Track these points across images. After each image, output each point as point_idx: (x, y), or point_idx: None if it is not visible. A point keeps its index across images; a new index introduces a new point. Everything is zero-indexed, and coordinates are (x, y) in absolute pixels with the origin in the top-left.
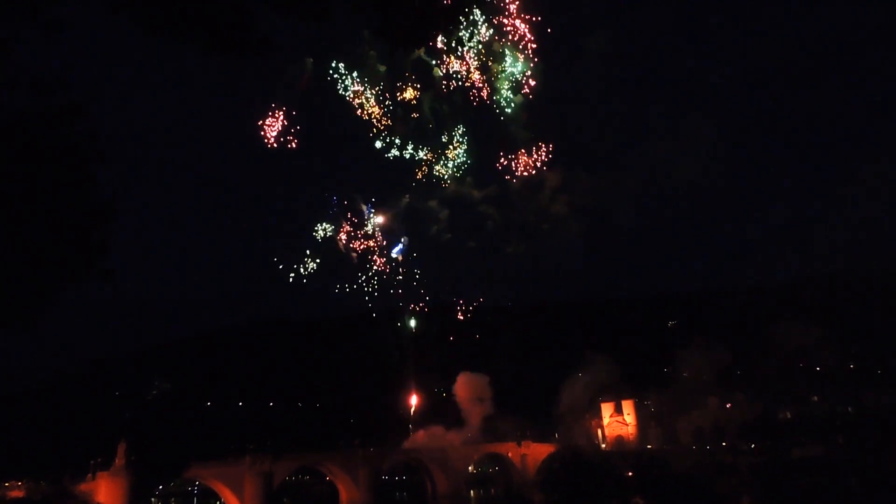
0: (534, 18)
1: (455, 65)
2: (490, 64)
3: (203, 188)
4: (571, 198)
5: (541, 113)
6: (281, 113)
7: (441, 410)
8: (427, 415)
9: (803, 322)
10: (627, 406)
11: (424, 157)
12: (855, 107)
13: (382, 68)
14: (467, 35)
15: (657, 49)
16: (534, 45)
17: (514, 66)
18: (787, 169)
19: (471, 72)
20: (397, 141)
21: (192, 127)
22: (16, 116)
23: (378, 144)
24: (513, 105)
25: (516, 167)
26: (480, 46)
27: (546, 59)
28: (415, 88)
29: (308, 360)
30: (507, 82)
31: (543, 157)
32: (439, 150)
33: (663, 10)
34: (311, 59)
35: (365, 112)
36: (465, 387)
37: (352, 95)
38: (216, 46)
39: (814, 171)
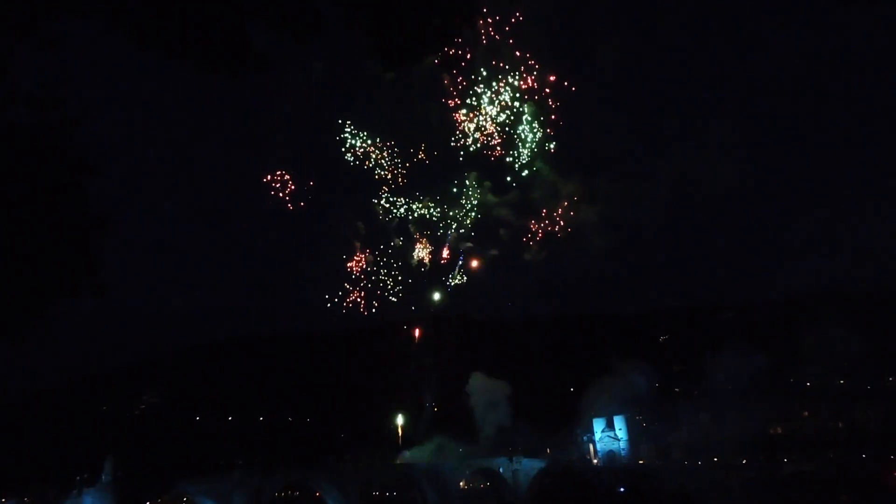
0: (552, 78)
1: (471, 128)
2: (508, 126)
3: (195, 199)
4: (590, 207)
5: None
6: (287, 175)
7: (450, 418)
8: (434, 424)
9: (805, 335)
10: (619, 421)
11: (436, 214)
12: (887, 111)
13: (391, 74)
14: (487, 97)
15: (677, 55)
16: (554, 105)
17: (532, 130)
18: (808, 180)
19: (486, 129)
20: (404, 200)
21: (190, 140)
22: (8, 130)
23: (385, 203)
24: (535, 170)
25: (537, 230)
26: (498, 108)
27: (568, 118)
28: (425, 141)
29: (299, 374)
30: (526, 149)
31: (569, 216)
32: (451, 201)
33: (685, 15)
34: (320, 64)
35: (374, 166)
36: (479, 391)
37: (362, 151)
38: (212, 62)
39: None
